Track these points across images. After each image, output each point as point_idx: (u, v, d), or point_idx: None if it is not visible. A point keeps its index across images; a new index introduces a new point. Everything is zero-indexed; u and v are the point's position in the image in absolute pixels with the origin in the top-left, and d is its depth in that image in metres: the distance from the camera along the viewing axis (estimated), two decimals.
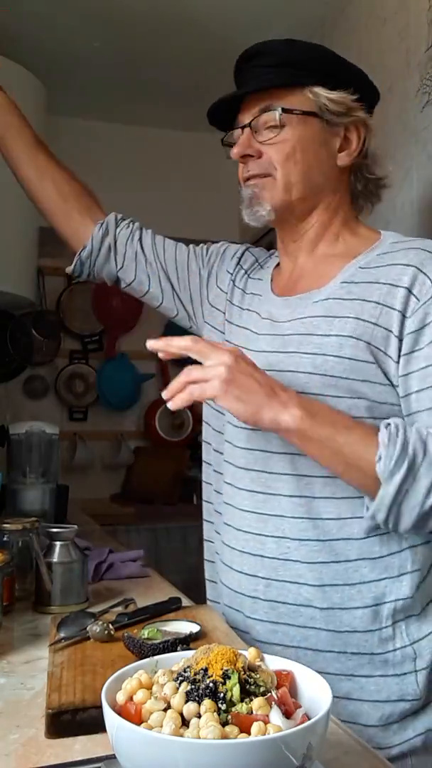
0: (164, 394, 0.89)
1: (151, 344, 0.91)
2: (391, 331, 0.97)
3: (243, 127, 1.08)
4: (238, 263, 1.28)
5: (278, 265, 1.23)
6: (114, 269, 1.31)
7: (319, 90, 1.05)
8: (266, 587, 1.01)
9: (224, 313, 1.23)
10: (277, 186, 1.06)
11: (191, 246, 1.35)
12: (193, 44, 2.73)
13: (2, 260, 2.63)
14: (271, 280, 1.20)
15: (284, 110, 1.04)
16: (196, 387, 0.87)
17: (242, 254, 1.30)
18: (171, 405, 0.88)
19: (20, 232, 2.77)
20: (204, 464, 1.23)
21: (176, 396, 0.88)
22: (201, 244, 1.35)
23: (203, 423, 1.23)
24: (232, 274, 1.26)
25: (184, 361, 0.90)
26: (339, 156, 1.08)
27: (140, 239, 1.32)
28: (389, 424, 0.90)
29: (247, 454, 1.07)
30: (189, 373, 0.88)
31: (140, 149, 3.44)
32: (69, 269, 1.36)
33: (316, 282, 1.08)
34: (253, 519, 1.04)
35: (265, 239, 3.32)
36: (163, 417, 3.64)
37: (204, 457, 1.23)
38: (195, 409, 3.71)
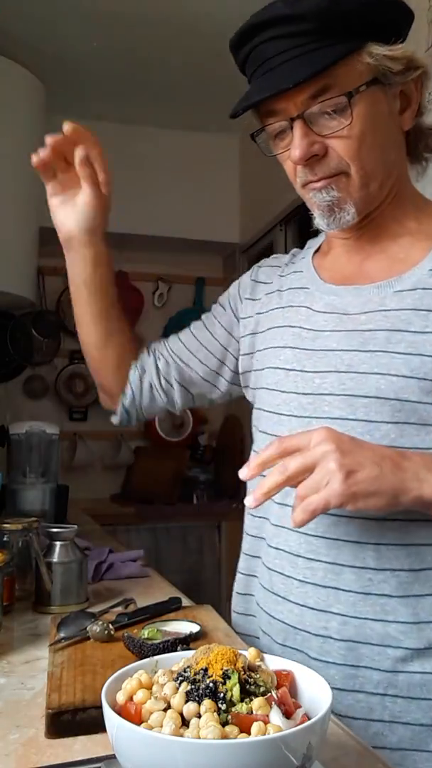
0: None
1: (245, 474, 0.77)
2: None
3: (292, 120, 0.85)
4: (254, 281, 1.13)
5: (317, 251, 1.06)
6: (161, 403, 1.18)
7: (376, 48, 0.82)
8: (342, 625, 0.84)
9: (251, 334, 1.09)
10: (354, 183, 0.87)
11: (210, 316, 1.18)
12: (193, 44, 2.73)
13: (2, 260, 2.63)
14: (315, 271, 1.02)
15: (349, 92, 0.82)
16: (316, 500, 0.71)
17: (256, 272, 1.14)
18: (295, 521, 0.72)
19: (20, 232, 2.77)
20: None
21: (295, 514, 0.72)
22: (214, 305, 1.19)
23: (254, 429, 1.05)
24: (252, 294, 1.11)
25: None
26: (403, 119, 0.89)
27: (176, 366, 1.16)
28: None
29: None
30: (287, 471, 0.72)
31: (140, 149, 3.44)
32: (115, 420, 1.21)
33: (391, 267, 0.91)
34: (323, 545, 0.87)
35: (264, 239, 3.32)
36: (163, 417, 3.64)
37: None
38: (195, 409, 3.71)
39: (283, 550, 0.91)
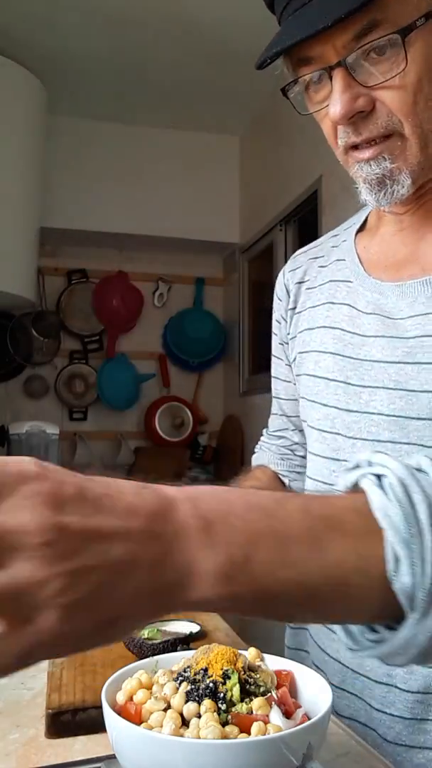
0: None
1: None
2: None
3: (331, 69, 0.68)
4: (295, 284, 0.96)
5: (361, 229, 0.89)
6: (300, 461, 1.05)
7: None
8: (408, 674, 0.73)
9: (288, 336, 0.95)
10: (411, 146, 0.70)
11: (275, 361, 1.03)
12: (193, 44, 2.73)
13: (2, 260, 2.64)
14: (359, 258, 0.86)
15: (403, 28, 0.64)
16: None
17: (292, 270, 0.98)
18: None
19: (20, 232, 2.78)
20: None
21: None
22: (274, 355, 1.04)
23: (302, 421, 0.92)
24: (293, 303, 0.96)
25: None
26: None
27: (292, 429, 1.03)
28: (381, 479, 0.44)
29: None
30: None
31: (140, 149, 3.45)
32: None
33: None
34: None
35: (264, 239, 3.32)
36: (163, 417, 3.64)
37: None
38: (195, 408, 3.71)
39: None
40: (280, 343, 0.98)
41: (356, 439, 0.78)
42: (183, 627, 0.92)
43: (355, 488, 0.44)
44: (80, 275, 3.68)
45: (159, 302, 3.79)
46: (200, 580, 0.37)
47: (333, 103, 0.68)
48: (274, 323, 1.01)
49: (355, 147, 0.72)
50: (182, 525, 0.37)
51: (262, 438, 1.12)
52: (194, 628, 0.91)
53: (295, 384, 0.96)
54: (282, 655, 0.83)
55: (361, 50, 0.66)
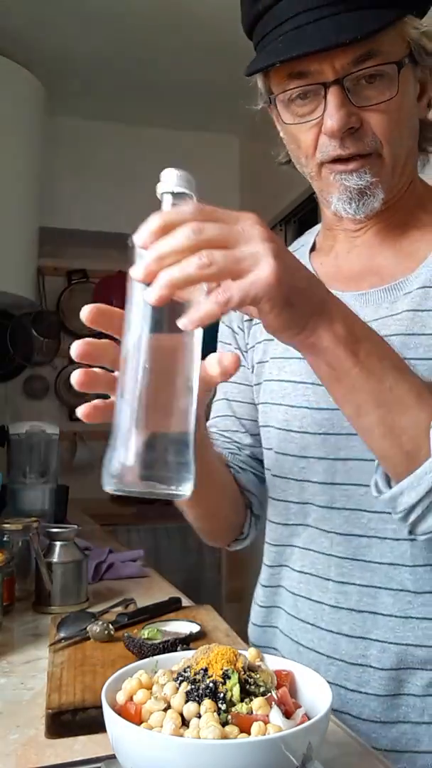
0: (152, 294, 0.50)
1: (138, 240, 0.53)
2: None
3: (327, 85, 0.73)
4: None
5: (313, 250, 0.95)
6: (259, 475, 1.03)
7: (415, 22, 0.75)
8: (381, 652, 0.79)
9: (248, 345, 0.98)
10: (386, 166, 0.78)
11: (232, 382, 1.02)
12: (194, 44, 2.73)
13: (2, 260, 2.64)
14: (316, 274, 0.89)
15: (398, 61, 0.73)
16: (236, 287, 0.51)
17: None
18: (184, 323, 0.51)
19: (20, 232, 2.78)
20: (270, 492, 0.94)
21: (194, 312, 0.51)
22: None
23: (264, 426, 0.94)
24: (246, 316, 0.99)
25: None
26: (420, 106, 0.81)
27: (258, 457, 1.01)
28: None
29: (332, 489, 0.83)
30: (201, 233, 0.52)
31: (140, 149, 3.45)
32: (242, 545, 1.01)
33: (400, 264, 0.84)
34: (356, 567, 0.81)
35: None
36: None
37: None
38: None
39: (311, 574, 0.86)
40: (236, 349, 1.01)
41: (328, 434, 0.83)
42: (183, 627, 0.92)
43: None
44: (80, 275, 3.68)
45: None
46: (336, 310, 0.59)
47: (329, 117, 0.74)
48: (226, 333, 1.03)
49: (336, 160, 0.77)
50: (339, 301, 0.60)
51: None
52: (194, 628, 0.91)
53: (252, 387, 0.98)
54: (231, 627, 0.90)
55: (360, 73, 0.73)
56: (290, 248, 0.99)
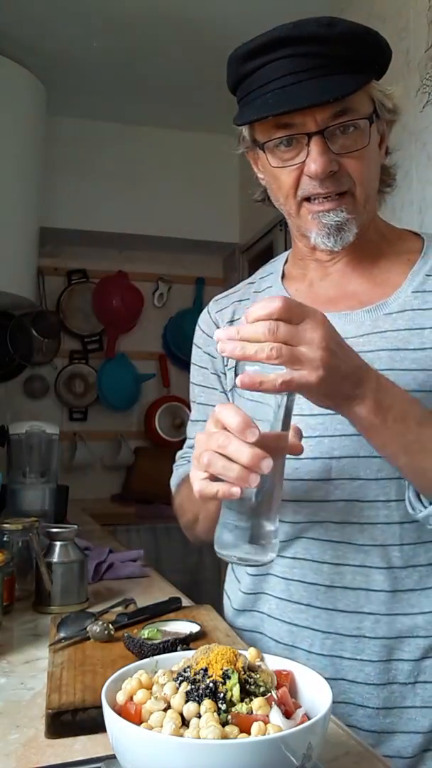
0: (242, 378, 0.66)
1: (221, 335, 0.68)
2: None
3: (311, 135, 0.87)
4: (217, 327, 1.07)
5: (283, 277, 1.07)
6: None
7: (377, 85, 0.90)
8: (375, 624, 0.89)
9: (227, 367, 1.05)
10: (358, 204, 0.91)
11: (208, 391, 1.10)
12: (193, 44, 2.73)
13: (2, 260, 2.63)
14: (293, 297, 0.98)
15: (370, 116, 0.89)
16: (290, 378, 0.66)
17: (213, 318, 1.10)
18: (265, 386, 0.66)
19: (20, 232, 2.77)
20: None
21: (261, 379, 0.65)
22: (195, 386, 1.12)
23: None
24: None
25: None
26: (380, 153, 0.95)
27: None
28: None
29: (327, 484, 0.91)
30: (276, 332, 0.65)
31: (140, 149, 3.45)
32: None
33: (374, 290, 0.96)
34: (350, 550, 0.90)
35: (264, 239, 3.32)
36: (163, 417, 3.64)
37: None
38: None
39: (304, 559, 0.93)
40: (213, 373, 1.08)
41: (323, 437, 0.91)
42: (183, 627, 0.92)
43: None
44: (80, 275, 3.68)
45: (159, 302, 3.79)
46: (368, 388, 0.71)
47: (312, 162, 0.86)
48: (202, 357, 1.10)
49: (309, 200, 0.90)
50: (373, 377, 0.73)
51: (181, 453, 1.16)
52: (194, 628, 0.91)
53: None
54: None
55: (338, 126, 0.86)
56: (259, 275, 1.11)
